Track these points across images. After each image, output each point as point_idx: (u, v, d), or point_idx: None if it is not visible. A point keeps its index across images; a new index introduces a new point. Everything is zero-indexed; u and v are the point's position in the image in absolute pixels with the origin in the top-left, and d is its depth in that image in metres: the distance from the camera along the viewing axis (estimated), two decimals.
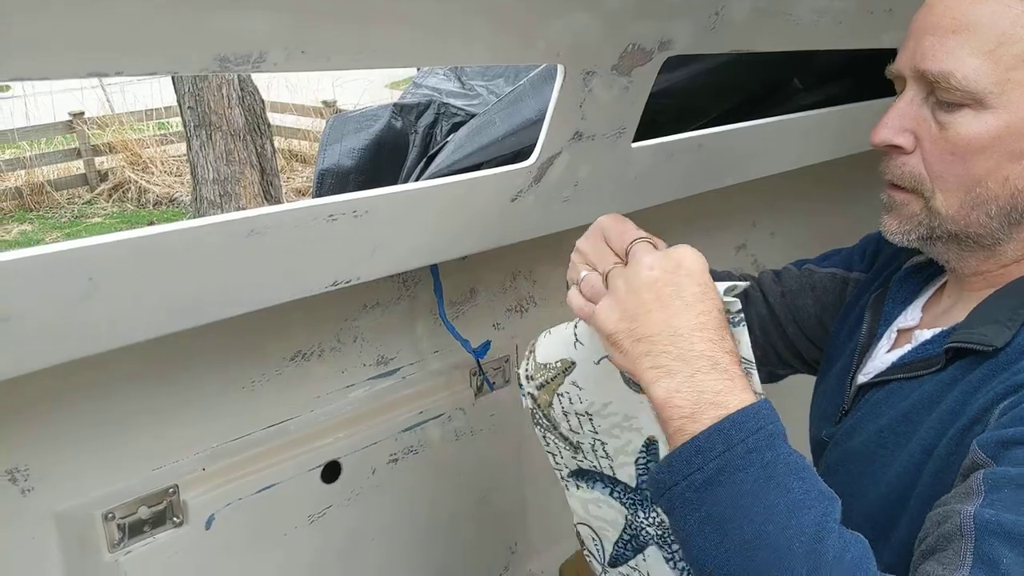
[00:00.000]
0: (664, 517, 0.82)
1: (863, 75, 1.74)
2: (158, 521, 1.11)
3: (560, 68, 1.01)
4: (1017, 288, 0.73)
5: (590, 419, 0.87)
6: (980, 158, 0.70)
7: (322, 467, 1.22)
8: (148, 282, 0.81)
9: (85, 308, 0.79)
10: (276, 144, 6.11)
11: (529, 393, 0.90)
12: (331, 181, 1.61)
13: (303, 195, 7.62)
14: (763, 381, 0.84)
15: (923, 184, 0.74)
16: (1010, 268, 0.76)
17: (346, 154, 1.62)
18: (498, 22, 0.90)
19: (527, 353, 0.91)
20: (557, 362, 0.87)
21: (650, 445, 0.85)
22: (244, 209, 4.91)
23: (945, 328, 0.78)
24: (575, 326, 0.86)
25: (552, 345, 0.88)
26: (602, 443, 0.88)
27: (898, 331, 0.86)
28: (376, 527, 1.31)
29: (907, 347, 0.81)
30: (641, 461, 0.86)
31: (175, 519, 1.12)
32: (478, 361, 1.36)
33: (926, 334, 0.80)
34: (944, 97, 0.70)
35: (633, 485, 0.88)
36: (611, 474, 0.89)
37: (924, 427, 0.71)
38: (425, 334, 1.37)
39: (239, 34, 0.71)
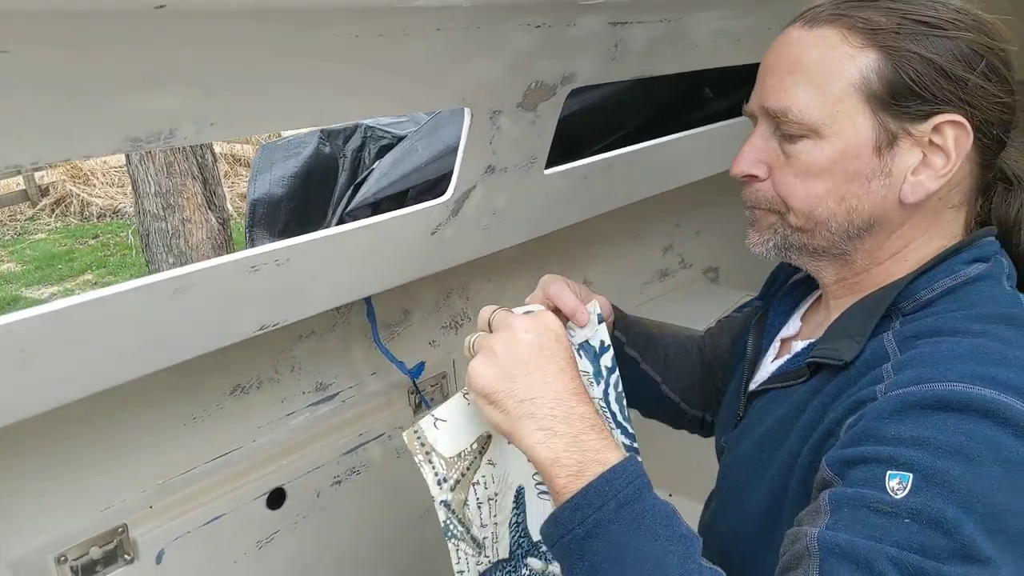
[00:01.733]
0: None
1: None
2: (110, 559, 1.15)
3: (467, 111, 1.06)
4: (868, 303, 0.81)
5: (496, 501, 0.87)
6: (819, 181, 0.78)
7: (267, 494, 1.27)
8: (79, 347, 0.85)
9: (20, 376, 0.83)
10: (218, 150, 6.00)
11: (443, 502, 0.83)
12: (263, 210, 1.65)
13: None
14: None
15: (776, 204, 0.83)
16: (862, 276, 0.84)
17: (276, 182, 1.66)
18: (403, 73, 0.95)
19: (421, 456, 0.82)
20: (471, 445, 0.84)
21: (519, 496, 0.88)
22: (187, 220, 4.87)
23: (814, 340, 0.86)
24: (464, 393, 0.83)
25: (454, 430, 0.82)
26: (495, 524, 0.88)
27: (781, 341, 0.94)
28: (324, 548, 1.37)
29: (785, 357, 0.89)
30: (514, 521, 0.89)
31: (126, 556, 1.16)
32: (414, 381, 1.42)
33: (800, 345, 0.88)
34: (786, 130, 0.79)
35: (507, 556, 0.89)
36: (498, 558, 0.89)
37: (792, 435, 0.78)
38: (361, 357, 1.42)
39: (149, 114, 0.75)
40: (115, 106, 0.73)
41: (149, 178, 4.67)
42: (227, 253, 5.06)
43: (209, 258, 4.94)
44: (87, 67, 0.69)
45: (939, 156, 0.76)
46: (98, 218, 7.60)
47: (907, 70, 0.74)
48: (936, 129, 0.75)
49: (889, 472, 0.62)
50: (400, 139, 1.67)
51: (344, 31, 0.84)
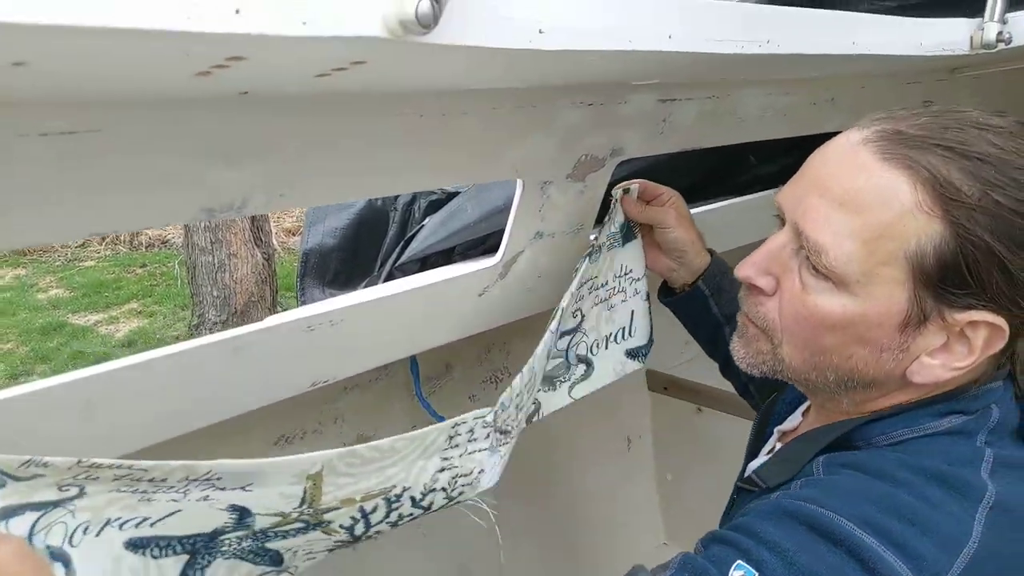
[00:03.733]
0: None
1: (817, 144, 1.84)
2: None
3: (519, 182, 1.10)
4: (820, 432, 0.77)
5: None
6: (829, 334, 0.71)
7: None
8: (142, 401, 0.90)
9: (85, 427, 0.87)
10: None
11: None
12: (315, 260, 1.70)
13: (293, 235, 7.69)
14: None
15: (774, 332, 0.77)
16: (845, 411, 0.79)
17: (329, 233, 1.71)
18: (462, 149, 0.99)
19: None
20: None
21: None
22: (233, 255, 5.00)
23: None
24: None
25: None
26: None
27: (781, 433, 0.93)
28: None
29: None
30: None
31: None
32: None
33: (778, 446, 0.88)
34: (814, 263, 0.71)
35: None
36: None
37: None
38: (402, 410, 1.45)
39: (226, 187, 0.80)
40: (194, 179, 0.77)
41: None
42: (270, 288, 5.17)
43: (252, 292, 5.03)
44: (171, 143, 0.74)
45: (963, 346, 0.69)
46: (147, 248, 7.82)
47: (969, 258, 0.65)
48: (972, 323, 0.67)
49: (739, 561, 0.63)
50: (449, 196, 1.71)
51: (411, 111, 0.88)
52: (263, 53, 0.56)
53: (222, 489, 0.76)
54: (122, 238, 7.94)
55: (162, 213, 0.78)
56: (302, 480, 0.80)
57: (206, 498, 0.76)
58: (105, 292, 6.71)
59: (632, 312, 1.29)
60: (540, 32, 0.67)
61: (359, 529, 0.88)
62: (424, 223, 1.59)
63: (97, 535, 0.71)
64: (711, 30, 0.83)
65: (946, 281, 0.66)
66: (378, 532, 0.92)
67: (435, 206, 1.72)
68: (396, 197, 1.79)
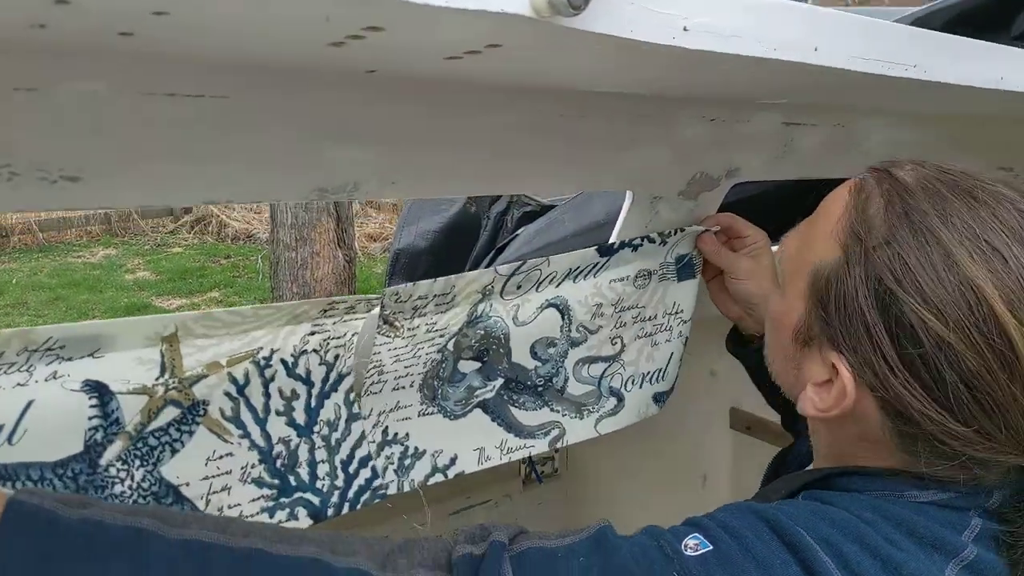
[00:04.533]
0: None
1: None
2: None
3: (629, 194, 1.06)
4: (798, 477, 0.75)
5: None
6: (769, 332, 0.79)
7: None
8: None
9: None
10: None
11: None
12: (404, 260, 1.69)
13: (375, 240, 7.83)
14: None
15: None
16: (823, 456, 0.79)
17: (421, 235, 1.71)
18: (574, 153, 0.96)
19: None
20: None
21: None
22: (316, 254, 5.08)
23: None
24: None
25: None
26: None
27: None
28: None
29: None
30: None
31: None
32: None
33: None
34: None
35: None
36: None
37: None
38: None
39: (340, 167, 0.79)
40: (312, 157, 0.76)
41: (288, 209, 4.93)
42: (348, 291, 5.25)
43: (330, 292, 5.09)
44: (293, 119, 0.73)
45: (834, 390, 0.67)
46: (232, 240, 8.07)
47: (840, 297, 0.65)
48: (834, 366, 0.66)
49: (695, 533, 0.63)
50: (543, 208, 1.69)
51: (532, 107, 0.85)
52: (401, 24, 0.53)
53: (69, 359, 0.69)
54: (210, 228, 8.22)
55: (277, 188, 0.77)
56: (157, 343, 0.73)
57: (55, 375, 0.69)
58: (189, 279, 6.94)
59: (671, 355, 1.21)
60: (685, 30, 0.63)
61: (246, 421, 0.82)
62: (518, 232, 1.57)
63: None
64: (858, 47, 0.78)
65: (827, 310, 0.66)
66: (283, 443, 0.85)
67: (529, 217, 1.70)
68: (489, 205, 1.77)
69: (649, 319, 1.16)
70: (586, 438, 1.14)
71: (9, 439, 0.68)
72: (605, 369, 1.15)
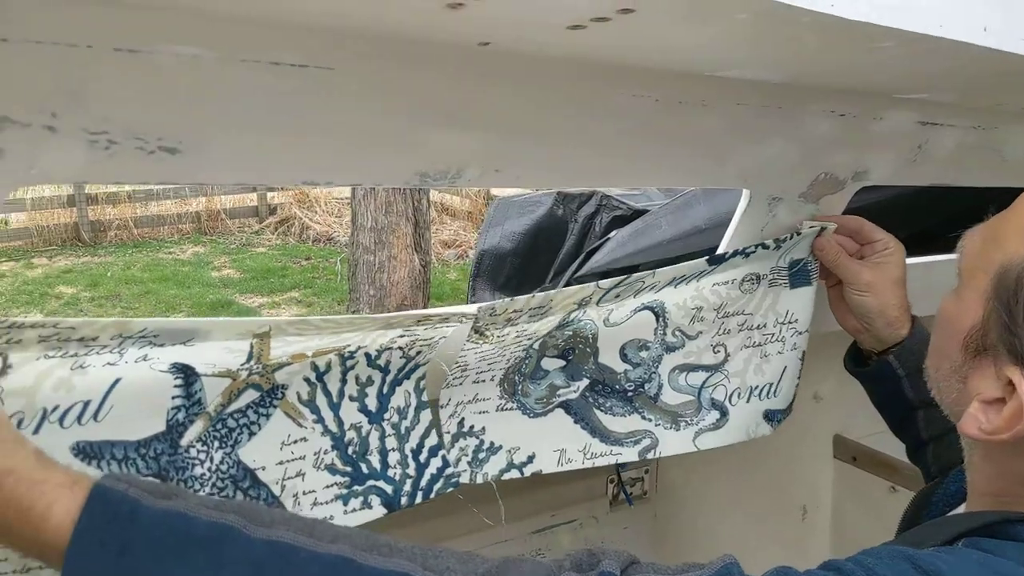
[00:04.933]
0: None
1: None
2: None
3: (746, 192, 0.98)
4: (963, 518, 0.67)
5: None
6: (935, 333, 0.71)
7: None
8: None
9: None
10: (430, 198, 6.37)
11: None
12: (489, 262, 1.64)
13: (449, 247, 7.86)
14: None
15: None
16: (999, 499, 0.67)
17: (507, 237, 1.65)
18: (690, 146, 0.88)
19: None
20: None
21: None
22: (394, 257, 5.12)
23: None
24: None
25: None
26: None
27: None
28: None
29: None
30: None
31: None
32: (618, 469, 1.32)
33: None
34: None
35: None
36: None
37: None
38: None
39: (443, 152, 0.73)
40: (415, 139, 0.71)
41: (368, 213, 4.98)
42: (423, 295, 5.26)
43: (406, 295, 5.12)
44: (399, 96, 0.68)
45: (1008, 410, 0.59)
46: (313, 242, 8.24)
47: None
48: (1010, 383, 0.59)
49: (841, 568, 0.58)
50: (635, 212, 1.61)
51: (646, 93, 0.79)
52: None
53: (160, 346, 0.69)
54: (293, 230, 8.42)
55: (377, 171, 0.72)
56: (248, 337, 0.73)
57: (144, 357, 0.68)
58: (271, 278, 7.10)
59: (784, 369, 1.10)
60: None
61: (320, 406, 0.81)
62: (609, 236, 1.49)
63: (35, 432, 0.64)
64: None
65: (1012, 314, 0.59)
66: (354, 430, 0.83)
67: (620, 221, 1.63)
68: (577, 208, 1.71)
69: (757, 327, 1.07)
70: (682, 451, 1.06)
71: (95, 415, 0.67)
72: (706, 379, 1.07)
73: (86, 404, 0.66)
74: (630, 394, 1.04)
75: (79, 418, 0.66)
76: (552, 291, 0.90)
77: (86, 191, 7.74)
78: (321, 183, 0.70)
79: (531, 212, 1.69)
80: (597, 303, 0.96)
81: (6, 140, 0.54)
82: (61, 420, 0.65)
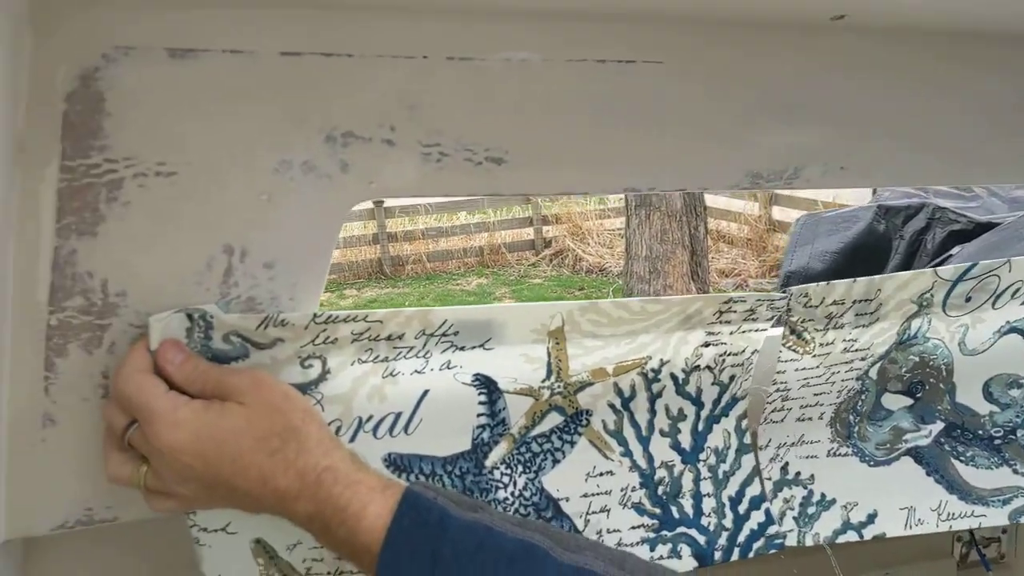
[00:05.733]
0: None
1: None
2: None
3: None
4: None
5: None
6: None
7: None
8: None
9: None
10: (707, 225, 6.20)
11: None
12: (797, 284, 1.49)
13: (726, 276, 7.58)
14: None
15: None
16: None
17: (817, 256, 1.50)
18: None
19: None
20: None
21: None
22: (669, 287, 5.03)
23: None
24: None
25: None
26: None
27: None
28: None
29: None
30: None
31: None
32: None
33: None
34: None
35: None
36: None
37: None
38: None
39: (779, 149, 0.65)
40: (749, 135, 0.64)
41: (643, 242, 4.95)
42: None
43: None
44: (733, 87, 0.61)
45: None
46: (586, 272, 8.42)
47: None
48: None
49: None
50: (977, 225, 1.37)
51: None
52: None
53: (462, 348, 0.68)
54: (567, 261, 8.67)
55: (705, 173, 0.66)
56: (543, 336, 0.70)
57: (448, 364, 0.68)
58: None
59: None
60: None
61: (628, 438, 0.76)
62: (952, 252, 1.28)
63: (351, 440, 0.65)
64: None
65: None
66: (665, 468, 0.77)
67: (958, 236, 1.40)
68: (903, 222, 1.50)
69: None
70: (999, 524, 0.88)
71: (406, 428, 0.68)
72: None
73: (397, 416, 0.68)
74: (997, 442, 0.87)
75: (391, 430, 0.68)
76: (877, 276, 0.77)
77: (387, 230, 8.64)
78: (643, 189, 0.65)
79: (846, 228, 1.52)
80: (943, 307, 0.81)
81: (350, 155, 0.56)
82: (375, 430, 0.67)
